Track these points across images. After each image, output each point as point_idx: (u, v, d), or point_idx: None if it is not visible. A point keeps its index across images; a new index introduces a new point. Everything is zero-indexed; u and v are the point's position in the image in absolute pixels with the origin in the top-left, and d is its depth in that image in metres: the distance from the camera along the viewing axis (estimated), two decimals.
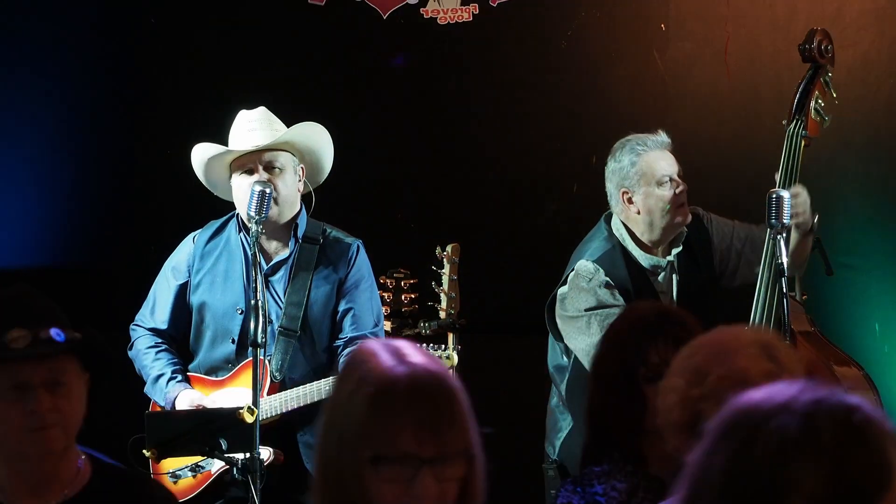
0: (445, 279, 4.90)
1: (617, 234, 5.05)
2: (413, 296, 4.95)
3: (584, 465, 3.28)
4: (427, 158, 6.32)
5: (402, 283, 4.95)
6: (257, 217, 4.76)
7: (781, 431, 1.63)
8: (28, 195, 6.38)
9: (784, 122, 4.92)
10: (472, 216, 6.18)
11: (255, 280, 4.66)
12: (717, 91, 6.09)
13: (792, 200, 4.70)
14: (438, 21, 6.24)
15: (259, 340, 4.54)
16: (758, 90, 6.00)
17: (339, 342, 4.98)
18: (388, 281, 4.98)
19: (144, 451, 4.61)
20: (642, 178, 4.99)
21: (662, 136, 5.05)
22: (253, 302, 4.62)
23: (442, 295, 4.88)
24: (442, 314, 4.90)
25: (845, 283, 5.80)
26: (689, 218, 5.03)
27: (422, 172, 6.31)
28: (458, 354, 4.73)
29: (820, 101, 4.92)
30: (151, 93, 6.42)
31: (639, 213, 5.00)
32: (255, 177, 4.88)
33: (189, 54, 6.41)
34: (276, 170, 4.92)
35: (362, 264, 5.05)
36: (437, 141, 6.33)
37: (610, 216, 5.11)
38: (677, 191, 4.98)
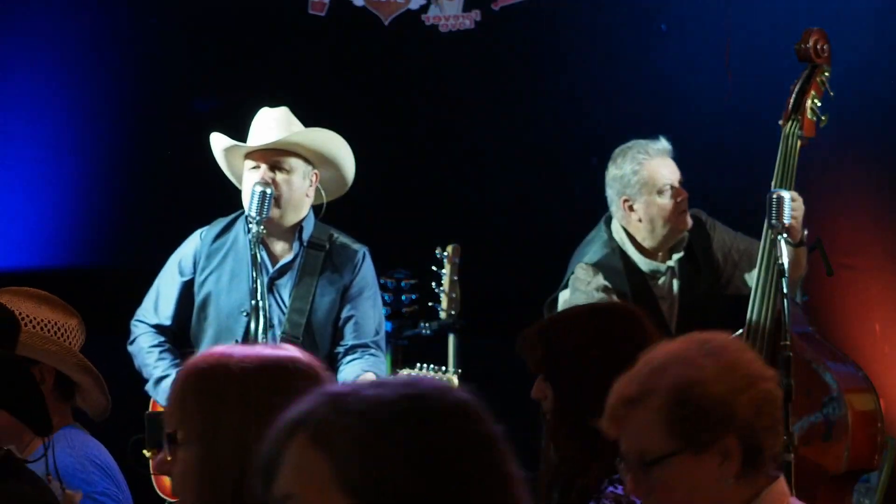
0: (446, 279, 4.91)
1: (617, 239, 5.05)
2: (414, 296, 4.95)
3: (573, 479, 3.14)
4: (427, 159, 6.32)
5: (403, 284, 4.95)
6: (257, 217, 4.75)
7: None
8: (30, 196, 6.39)
9: (780, 122, 4.93)
10: (472, 217, 6.18)
11: (256, 281, 4.65)
12: (717, 91, 6.09)
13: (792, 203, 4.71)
14: (440, 29, 6.24)
15: (259, 342, 4.55)
16: (758, 90, 6.00)
17: (339, 349, 4.96)
18: (388, 281, 4.97)
19: (144, 452, 4.61)
20: (644, 187, 4.98)
21: (663, 143, 5.03)
22: (253, 303, 4.62)
23: (442, 295, 4.89)
24: (442, 315, 4.90)
25: (846, 283, 5.80)
26: (690, 224, 5.02)
27: (422, 173, 6.31)
28: (457, 378, 4.70)
29: (816, 100, 4.92)
30: (152, 94, 6.42)
31: (640, 220, 5.00)
32: (260, 173, 4.87)
33: (190, 57, 6.41)
34: (284, 171, 4.90)
35: (367, 272, 5.02)
36: (437, 142, 6.33)
37: (610, 219, 5.11)
38: (678, 199, 4.97)
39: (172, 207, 6.22)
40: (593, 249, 5.04)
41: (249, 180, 4.89)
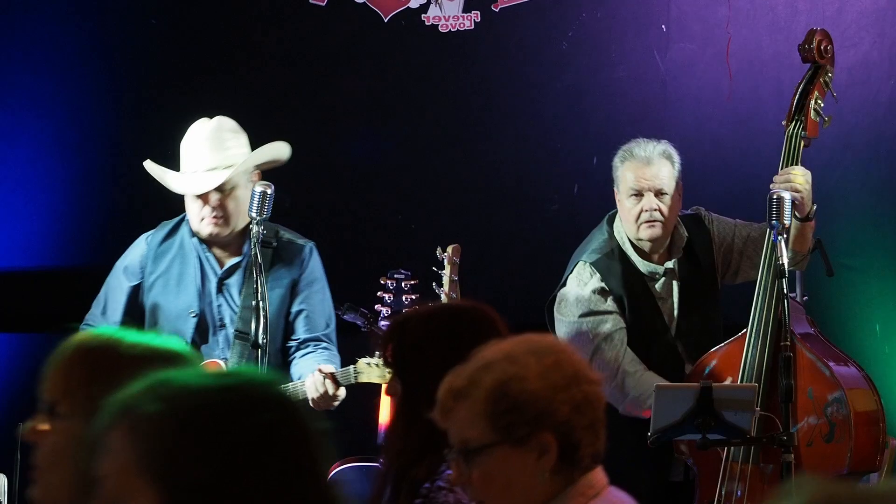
0: (446, 280, 4.91)
1: (617, 237, 5.04)
2: (414, 296, 4.95)
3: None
4: (428, 159, 6.32)
5: (403, 284, 4.95)
6: (259, 218, 4.76)
7: None
8: (28, 196, 6.38)
9: (784, 122, 4.92)
10: (472, 217, 6.18)
11: (257, 281, 4.67)
12: (717, 92, 6.09)
13: (794, 176, 4.71)
14: (440, 29, 6.23)
15: (260, 341, 4.56)
16: (758, 91, 6.00)
17: (291, 343, 5.02)
18: (388, 281, 4.98)
19: None
20: (618, 187, 4.99)
21: (655, 147, 4.98)
22: (254, 302, 4.63)
23: (443, 296, 4.89)
24: None
25: (846, 283, 5.80)
26: (656, 236, 4.94)
27: (422, 173, 6.31)
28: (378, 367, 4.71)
29: (819, 101, 4.91)
30: (152, 94, 6.41)
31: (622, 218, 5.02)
32: (214, 199, 4.92)
33: (189, 55, 6.41)
34: (226, 191, 4.95)
35: (315, 266, 5.08)
36: (437, 141, 6.33)
37: (613, 217, 5.10)
38: (644, 206, 4.92)
39: (171, 209, 6.22)
40: (591, 248, 5.03)
41: (192, 206, 4.99)
